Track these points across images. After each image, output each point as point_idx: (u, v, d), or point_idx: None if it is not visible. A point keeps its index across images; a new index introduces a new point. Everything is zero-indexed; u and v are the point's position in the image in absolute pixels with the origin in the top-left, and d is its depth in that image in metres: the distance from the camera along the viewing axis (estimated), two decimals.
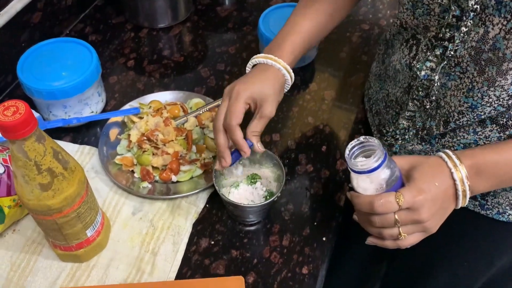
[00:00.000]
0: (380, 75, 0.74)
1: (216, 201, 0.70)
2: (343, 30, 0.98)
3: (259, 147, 0.64)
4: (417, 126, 0.66)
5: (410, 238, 0.55)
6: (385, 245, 0.56)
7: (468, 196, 0.54)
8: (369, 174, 0.51)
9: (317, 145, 0.79)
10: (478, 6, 0.51)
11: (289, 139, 0.80)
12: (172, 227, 0.67)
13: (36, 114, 0.73)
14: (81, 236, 0.59)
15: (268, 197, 0.68)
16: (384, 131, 0.72)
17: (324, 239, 0.68)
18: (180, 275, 0.63)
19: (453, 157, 0.53)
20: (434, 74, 0.59)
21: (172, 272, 0.63)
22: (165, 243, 0.66)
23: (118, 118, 0.77)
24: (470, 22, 0.52)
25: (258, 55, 0.67)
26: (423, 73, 0.60)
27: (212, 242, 0.66)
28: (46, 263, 0.63)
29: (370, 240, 0.58)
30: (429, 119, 0.63)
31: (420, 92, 0.62)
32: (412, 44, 0.62)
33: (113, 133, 0.76)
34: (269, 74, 0.64)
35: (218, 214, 0.69)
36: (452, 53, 0.56)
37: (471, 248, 0.76)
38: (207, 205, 0.70)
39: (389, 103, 0.70)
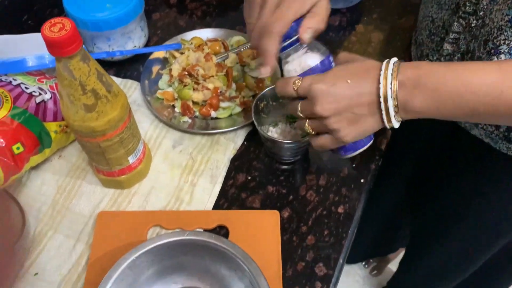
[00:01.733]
0: (425, 2, 0.69)
1: (254, 139, 0.70)
2: None
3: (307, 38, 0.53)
4: (461, 50, 0.61)
5: (320, 139, 0.53)
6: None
7: (394, 111, 0.47)
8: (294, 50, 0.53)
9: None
10: None
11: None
12: (210, 161, 0.68)
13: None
14: (123, 162, 0.61)
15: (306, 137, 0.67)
16: (428, 61, 0.69)
17: (362, 180, 0.67)
18: (217, 206, 0.64)
19: (392, 63, 0.48)
20: None
21: (209, 202, 0.64)
22: (204, 175, 0.67)
23: (160, 54, 0.78)
24: None
25: None
26: None
27: (249, 178, 0.67)
28: (89, 188, 0.66)
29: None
30: (473, 40, 0.59)
31: (468, 8, 0.57)
32: None
33: (155, 68, 0.76)
34: None
35: (255, 152, 0.69)
36: None
37: (505, 198, 0.72)
38: (245, 143, 0.70)
39: (434, 29, 0.66)
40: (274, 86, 0.65)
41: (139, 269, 0.54)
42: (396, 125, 0.50)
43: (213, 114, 0.70)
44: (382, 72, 0.47)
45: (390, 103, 0.47)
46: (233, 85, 0.72)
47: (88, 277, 0.58)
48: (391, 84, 0.47)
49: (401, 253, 1.40)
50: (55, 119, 0.63)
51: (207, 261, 0.56)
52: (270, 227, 0.62)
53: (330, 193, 0.66)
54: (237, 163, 0.68)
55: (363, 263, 1.48)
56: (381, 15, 0.87)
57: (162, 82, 0.74)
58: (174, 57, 0.75)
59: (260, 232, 0.61)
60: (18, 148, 0.59)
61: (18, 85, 0.63)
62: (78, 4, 0.72)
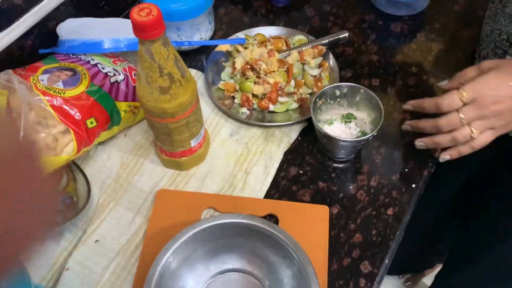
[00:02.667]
0: (495, 15, 0.69)
1: (308, 135, 0.72)
2: None
3: None
4: None
5: (482, 137, 0.55)
6: (461, 152, 0.57)
7: None
8: None
9: (418, 95, 0.77)
10: None
11: (389, 85, 0.78)
12: (265, 152, 0.71)
13: None
14: (185, 145, 0.64)
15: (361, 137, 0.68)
16: None
17: (413, 185, 0.67)
18: (268, 195, 0.67)
19: None
20: None
21: (261, 191, 0.67)
22: (257, 165, 0.69)
23: (224, 48, 0.81)
24: None
25: None
26: None
27: (301, 172, 0.69)
28: (151, 167, 0.70)
29: (445, 154, 0.59)
30: None
31: None
32: None
33: (219, 60, 0.80)
34: None
35: (309, 147, 0.71)
36: None
37: None
38: (299, 138, 0.72)
39: (499, 42, 0.66)
40: (333, 85, 0.67)
41: (194, 246, 0.57)
42: None
43: (271, 107, 0.73)
44: None
45: None
46: (292, 82, 0.75)
47: (145, 248, 0.61)
48: None
49: (437, 269, 1.38)
50: (125, 99, 0.68)
51: (258, 245, 0.58)
52: (319, 221, 0.64)
53: (381, 194, 0.67)
54: (290, 157, 0.71)
55: (400, 276, 1.47)
56: (443, 25, 0.87)
57: (225, 74, 0.78)
58: (238, 51, 0.78)
59: (309, 224, 0.63)
60: (91, 123, 0.63)
61: (96, 64, 0.67)
62: None
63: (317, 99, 0.67)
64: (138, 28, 0.49)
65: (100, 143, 0.71)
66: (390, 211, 0.65)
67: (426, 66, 0.81)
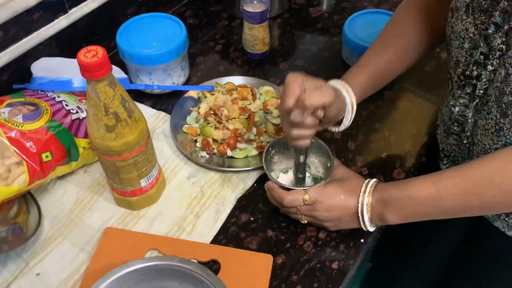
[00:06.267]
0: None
1: (264, 182, 0.73)
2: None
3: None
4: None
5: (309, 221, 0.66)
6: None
7: (369, 222, 0.61)
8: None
9: (378, 150, 0.78)
10: (504, 46, 0.50)
11: (350, 140, 0.80)
12: (218, 196, 0.71)
13: (124, 76, 0.82)
14: (135, 184, 0.65)
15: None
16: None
17: (362, 240, 0.67)
18: (215, 241, 0.67)
19: (369, 186, 0.61)
20: (468, 111, 0.60)
21: (209, 236, 0.67)
22: (209, 209, 0.70)
23: (194, 93, 0.84)
24: (495, 62, 0.51)
25: (333, 80, 0.67)
26: (457, 109, 0.62)
27: (252, 219, 0.69)
28: (104, 204, 0.71)
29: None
30: (470, 154, 0.64)
31: (456, 128, 0.64)
32: (450, 78, 0.63)
33: (187, 105, 0.82)
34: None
35: (263, 195, 0.71)
36: (481, 92, 0.55)
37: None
38: (255, 185, 0.73)
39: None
40: (284, 136, 0.68)
41: (127, 285, 0.56)
42: (371, 229, 0.63)
43: (229, 153, 0.74)
44: (361, 194, 0.61)
45: (366, 216, 0.61)
46: (254, 129, 0.76)
47: (83, 284, 0.61)
48: (366, 204, 0.60)
49: None
50: (85, 136, 0.70)
51: None
52: (261, 270, 0.63)
53: (328, 247, 0.66)
54: (243, 203, 0.71)
55: None
56: (413, 85, 0.89)
57: (190, 118, 0.80)
58: (205, 97, 0.80)
59: (251, 273, 0.62)
60: (47, 156, 0.65)
61: (60, 101, 0.70)
62: (129, 38, 0.81)
63: (270, 149, 0.69)
64: (83, 69, 0.52)
65: (60, 178, 0.73)
66: (335, 265, 0.64)
67: (389, 123, 0.82)
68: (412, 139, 0.80)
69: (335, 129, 0.68)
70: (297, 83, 0.57)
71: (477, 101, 0.58)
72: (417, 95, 0.87)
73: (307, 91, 0.56)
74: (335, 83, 0.66)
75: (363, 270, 1.30)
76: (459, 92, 0.60)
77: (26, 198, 0.70)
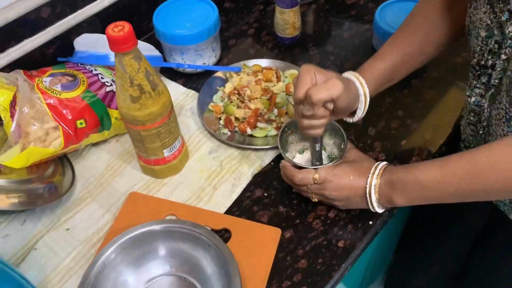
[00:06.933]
0: None
1: (280, 162, 0.76)
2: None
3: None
4: None
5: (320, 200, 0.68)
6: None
7: (377, 203, 0.63)
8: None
9: (397, 137, 0.79)
10: None
11: (371, 126, 0.81)
12: (236, 172, 0.75)
13: (158, 54, 0.86)
14: (158, 153, 0.70)
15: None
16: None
17: (370, 222, 0.68)
18: (229, 212, 0.70)
19: (379, 168, 0.62)
20: (484, 101, 0.60)
21: (223, 207, 0.71)
22: (226, 182, 0.74)
23: (223, 74, 0.87)
24: (508, 50, 0.51)
25: (348, 72, 0.68)
26: (473, 99, 0.61)
27: (265, 194, 0.72)
28: (131, 172, 0.76)
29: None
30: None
31: (472, 118, 0.64)
32: (469, 69, 0.63)
33: (215, 84, 0.86)
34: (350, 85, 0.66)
35: (278, 173, 0.74)
36: (496, 81, 0.55)
37: None
38: (272, 163, 0.76)
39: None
40: None
41: (141, 244, 0.62)
42: (380, 211, 0.65)
43: (249, 131, 0.77)
44: (370, 175, 0.62)
45: (373, 197, 0.63)
46: (275, 110, 0.79)
47: (105, 241, 0.67)
48: (374, 185, 0.62)
49: None
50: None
51: (201, 255, 0.62)
52: (269, 241, 0.66)
53: (336, 226, 0.68)
54: (259, 179, 0.74)
55: None
56: (441, 74, 0.88)
57: (216, 97, 0.84)
58: (232, 77, 0.84)
59: (259, 243, 0.66)
60: (81, 124, 0.71)
61: (97, 74, 0.76)
62: (164, 19, 0.86)
63: (286, 129, 0.71)
64: (111, 42, 0.56)
65: (93, 145, 0.79)
66: (341, 243, 0.66)
67: (413, 112, 0.82)
68: (434, 128, 0.80)
69: (350, 120, 0.70)
70: (309, 75, 0.59)
71: (492, 90, 0.58)
72: (445, 85, 0.86)
73: (316, 86, 0.58)
74: (349, 74, 0.67)
75: (387, 262, 1.31)
76: (474, 82, 0.60)
77: (63, 161, 0.76)
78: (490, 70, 0.57)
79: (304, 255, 0.65)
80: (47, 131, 0.69)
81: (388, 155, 0.76)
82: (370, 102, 0.67)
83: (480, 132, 0.65)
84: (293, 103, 0.79)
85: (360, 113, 0.68)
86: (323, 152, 0.72)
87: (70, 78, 0.73)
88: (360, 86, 0.66)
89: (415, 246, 1.06)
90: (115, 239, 0.60)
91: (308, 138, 0.73)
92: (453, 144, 0.78)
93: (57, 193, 0.71)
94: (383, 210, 0.65)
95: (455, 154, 0.57)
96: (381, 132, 0.80)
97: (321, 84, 0.59)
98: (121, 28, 0.56)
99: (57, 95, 0.70)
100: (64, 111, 0.70)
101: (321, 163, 0.70)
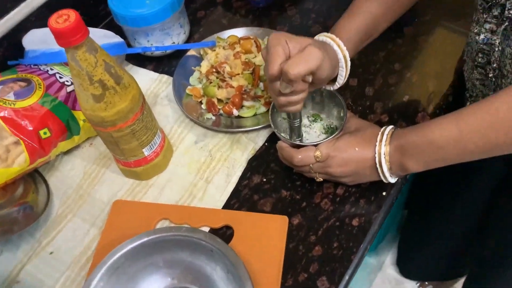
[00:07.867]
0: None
1: (275, 140, 0.68)
2: None
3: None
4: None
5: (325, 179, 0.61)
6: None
7: (389, 172, 0.56)
8: None
9: (398, 94, 0.71)
10: None
11: (368, 85, 0.73)
12: (228, 159, 0.67)
13: (120, 40, 0.77)
14: (137, 154, 0.62)
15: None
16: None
17: (384, 193, 0.62)
18: (227, 205, 0.63)
19: (386, 134, 0.55)
20: (495, 38, 0.52)
21: (220, 201, 0.64)
22: (219, 173, 0.66)
23: (196, 51, 0.78)
24: None
25: (321, 34, 0.60)
26: (482, 36, 0.54)
27: (264, 180, 0.65)
28: (112, 176, 0.68)
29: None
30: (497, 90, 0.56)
31: (480, 59, 0.56)
32: (476, 5, 0.55)
33: (189, 65, 0.77)
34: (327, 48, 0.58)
35: (275, 154, 0.67)
36: (511, 12, 0.47)
37: None
38: (266, 144, 0.69)
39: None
40: None
41: (136, 258, 0.55)
42: (393, 180, 0.58)
43: (235, 112, 0.69)
44: (377, 143, 0.56)
45: (385, 167, 0.56)
46: (261, 84, 0.71)
47: (94, 261, 0.60)
48: (383, 153, 0.55)
49: (458, 281, 1.29)
50: None
51: (203, 261, 0.55)
52: (276, 232, 0.59)
53: (347, 203, 0.61)
54: (255, 164, 0.67)
55: (417, 284, 1.38)
56: (434, 17, 0.80)
57: (193, 79, 0.75)
58: (206, 54, 0.75)
59: (266, 236, 0.59)
60: (45, 133, 0.63)
61: (54, 74, 0.67)
62: (122, 0, 0.76)
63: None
64: (56, 35, 0.47)
65: (65, 153, 0.71)
66: (355, 222, 0.60)
67: (411, 62, 0.74)
68: (436, 77, 0.72)
69: (330, 88, 0.62)
70: (281, 45, 0.51)
71: (506, 24, 0.50)
72: (441, 28, 0.79)
73: (291, 58, 0.50)
74: (324, 37, 0.59)
75: (399, 217, 1.26)
76: (484, 16, 0.53)
77: (34, 177, 0.68)
78: (503, 0, 0.49)
79: (317, 241, 0.59)
80: (7, 148, 0.60)
81: (391, 115, 0.69)
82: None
83: (490, 75, 0.57)
84: None
85: (342, 80, 0.60)
86: (320, 124, 0.65)
87: (23, 84, 0.64)
88: (339, 49, 0.58)
89: (429, 200, 1.01)
90: (103, 261, 0.53)
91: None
92: (459, 93, 0.71)
93: (33, 213, 0.63)
94: (396, 179, 0.58)
95: (469, 106, 0.50)
96: (379, 90, 0.72)
97: (297, 56, 0.51)
98: (66, 17, 0.47)
99: (11, 105, 0.61)
100: (22, 123, 0.61)
101: (301, 140, 0.63)
